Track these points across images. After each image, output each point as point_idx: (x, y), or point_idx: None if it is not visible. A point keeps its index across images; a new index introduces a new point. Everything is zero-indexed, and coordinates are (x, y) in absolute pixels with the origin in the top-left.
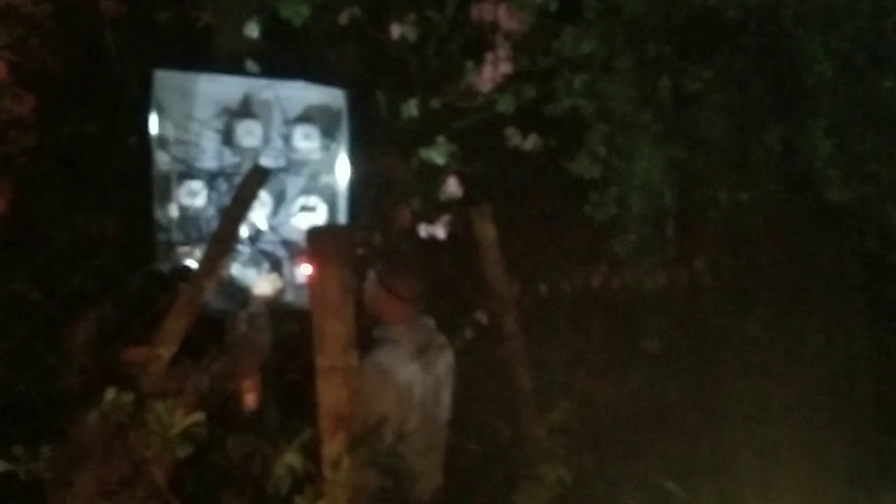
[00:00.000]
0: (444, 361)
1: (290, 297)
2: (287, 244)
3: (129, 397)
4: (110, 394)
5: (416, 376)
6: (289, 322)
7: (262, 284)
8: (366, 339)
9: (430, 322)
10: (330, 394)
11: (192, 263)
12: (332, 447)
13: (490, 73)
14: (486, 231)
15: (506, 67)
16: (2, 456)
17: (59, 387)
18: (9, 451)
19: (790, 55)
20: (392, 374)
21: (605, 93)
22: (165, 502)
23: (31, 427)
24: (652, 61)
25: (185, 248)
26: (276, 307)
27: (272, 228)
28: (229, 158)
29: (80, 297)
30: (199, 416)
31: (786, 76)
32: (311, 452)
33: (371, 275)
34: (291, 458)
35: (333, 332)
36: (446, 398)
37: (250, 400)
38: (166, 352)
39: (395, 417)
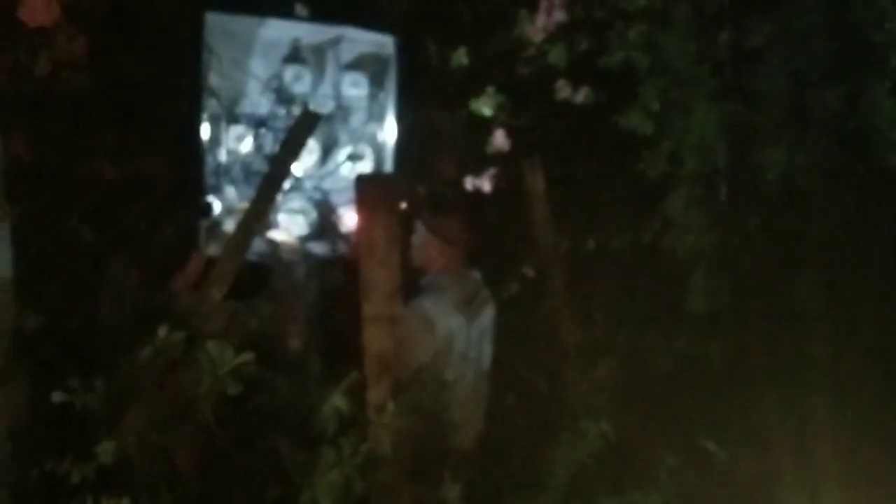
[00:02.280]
0: (488, 314)
1: (336, 245)
2: (335, 192)
3: (180, 335)
4: (162, 331)
5: (458, 326)
6: (334, 271)
7: (283, 231)
8: (411, 288)
9: (476, 275)
10: (375, 340)
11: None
12: (376, 392)
13: (543, 22)
14: (536, 184)
15: (559, 17)
16: (59, 388)
17: (112, 323)
18: (65, 383)
19: (857, 10)
20: (434, 323)
21: (661, 46)
22: (214, 439)
23: (86, 361)
24: (711, 14)
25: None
26: (319, 256)
27: (320, 176)
28: (277, 104)
29: (131, 236)
30: (248, 355)
31: (852, 33)
32: (356, 397)
33: (418, 223)
34: (338, 401)
35: (379, 280)
36: (488, 351)
37: (295, 344)
38: (217, 293)
39: (436, 365)
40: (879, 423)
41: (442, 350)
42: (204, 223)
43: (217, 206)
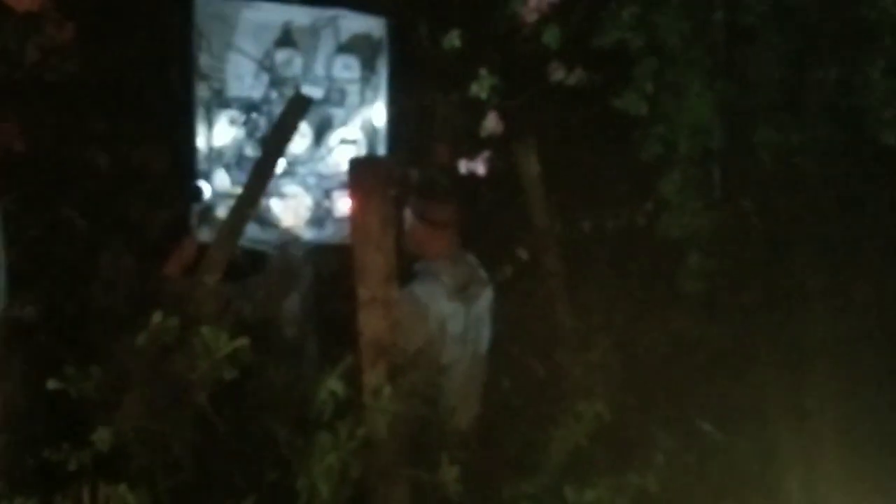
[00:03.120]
0: (485, 297)
1: (329, 230)
2: (327, 176)
3: (174, 321)
4: (157, 317)
5: (453, 311)
6: (328, 256)
7: (285, 215)
8: (406, 274)
9: (472, 259)
10: (371, 324)
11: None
12: (372, 376)
13: (536, 2)
14: (530, 166)
15: None
16: (54, 375)
17: (106, 309)
18: (60, 371)
19: None
20: (426, 308)
21: (655, 26)
22: (210, 425)
23: (81, 349)
24: None
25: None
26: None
27: (313, 160)
28: (269, 88)
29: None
30: (243, 340)
31: (845, 11)
32: (352, 381)
33: (408, 208)
34: (334, 384)
35: (374, 264)
36: (486, 334)
37: (291, 328)
38: (210, 278)
39: (431, 349)
40: (877, 404)
41: (436, 335)
42: (196, 208)
43: (207, 191)
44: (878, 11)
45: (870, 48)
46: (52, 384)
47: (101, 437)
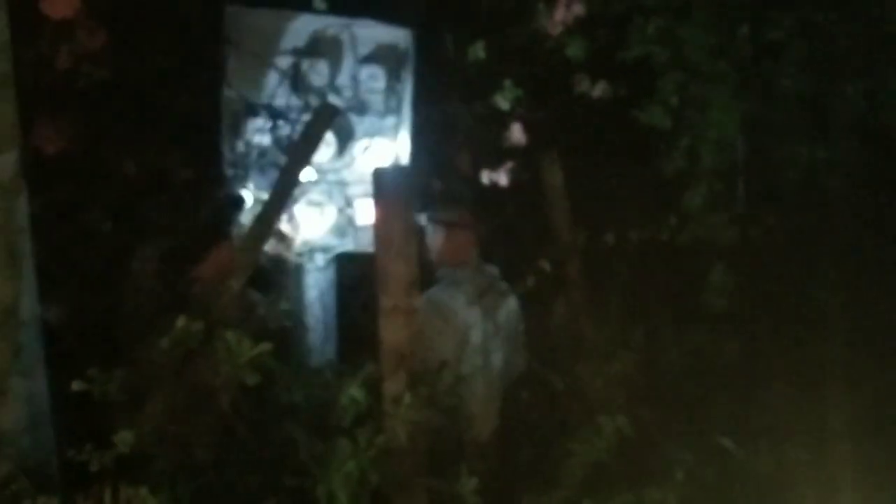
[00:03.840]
0: (506, 309)
1: (352, 238)
2: (350, 185)
3: (199, 325)
4: (181, 321)
5: (474, 320)
6: (351, 264)
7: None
8: (428, 281)
9: (493, 269)
10: (392, 333)
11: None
12: (393, 384)
13: (561, 15)
14: (554, 178)
15: (578, 10)
16: (79, 377)
17: (132, 313)
18: (85, 373)
19: (878, 4)
20: (451, 315)
21: (680, 40)
22: (231, 429)
23: (106, 351)
24: (731, 8)
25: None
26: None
27: (336, 169)
28: (296, 97)
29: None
30: (266, 345)
31: (872, 27)
32: (372, 389)
33: (431, 218)
34: (355, 392)
35: (397, 273)
36: (504, 345)
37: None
38: (236, 283)
39: (453, 357)
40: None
41: (459, 342)
42: (237, 215)
43: (248, 198)
44: None
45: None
46: (76, 386)
47: (124, 439)
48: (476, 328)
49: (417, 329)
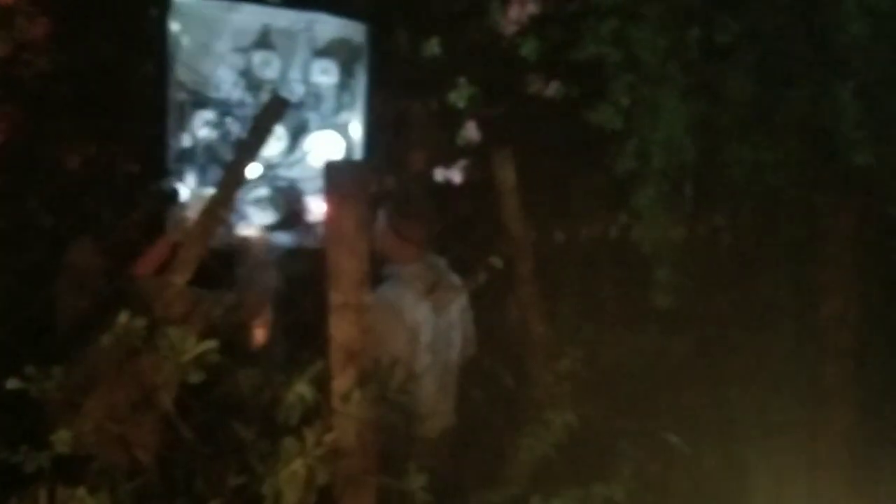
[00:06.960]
0: (458, 304)
1: (302, 234)
2: (301, 180)
3: (141, 322)
4: (123, 317)
5: (425, 316)
6: (298, 261)
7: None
8: (375, 277)
9: (440, 261)
10: (342, 329)
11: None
12: (342, 381)
13: (516, 14)
14: (506, 176)
15: (532, 9)
16: (15, 375)
17: (71, 309)
18: (21, 370)
19: (824, 12)
20: (401, 312)
21: (633, 41)
22: (174, 429)
23: (44, 348)
24: (682, 11)
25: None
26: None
27: (287, 164)
28: (245, 90)
29: (92, 221)
30: (211, 343)
31: (818, 34)
32: (321, 386)
33: (381, 215)
34: (302, 389)
35: (348, 269)
36: (458, 340)
37: (259, 334)
38: (180, 279)
39: (404, 355)
40: (841, 417)
41: (408, 340)
42: (171, 208)
43: (183, 192)
44: (849, 36)
45: (840, 71)
46: (11, 384)
47: (62, 438)
48: (426, 325)
49: (368, 326)
